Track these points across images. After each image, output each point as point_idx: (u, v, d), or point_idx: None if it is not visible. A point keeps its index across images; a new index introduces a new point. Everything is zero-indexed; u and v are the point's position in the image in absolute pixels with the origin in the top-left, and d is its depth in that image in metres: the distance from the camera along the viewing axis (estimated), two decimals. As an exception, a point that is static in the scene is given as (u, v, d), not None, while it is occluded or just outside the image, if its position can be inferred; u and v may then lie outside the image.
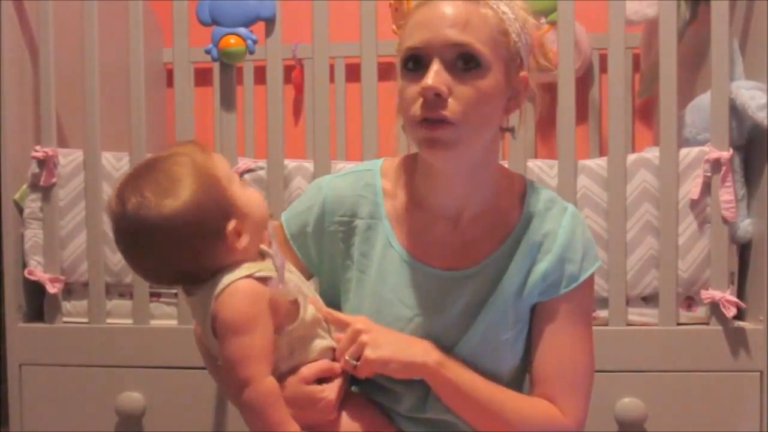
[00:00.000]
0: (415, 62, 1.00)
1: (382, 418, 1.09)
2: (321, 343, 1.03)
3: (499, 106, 1.03)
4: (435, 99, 0.97)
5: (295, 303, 1.01)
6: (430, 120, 0.98)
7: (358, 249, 1.11)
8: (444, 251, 1.09)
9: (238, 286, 0.96)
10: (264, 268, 0.99)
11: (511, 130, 1.09)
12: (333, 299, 1.12)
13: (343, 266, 1.12)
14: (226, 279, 0.97)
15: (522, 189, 1.13)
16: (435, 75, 0.97)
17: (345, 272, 1.12)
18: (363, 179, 1.13)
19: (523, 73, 1.05)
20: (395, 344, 1.02)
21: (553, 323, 1.10)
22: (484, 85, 0.99)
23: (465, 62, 0.98)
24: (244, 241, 0.98)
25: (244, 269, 0.98)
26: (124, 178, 0.98)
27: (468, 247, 1.09)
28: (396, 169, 1.14)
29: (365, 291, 1.09)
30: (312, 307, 1.04)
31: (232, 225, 0.97)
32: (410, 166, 1.13)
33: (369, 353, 0.99)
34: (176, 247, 0.95)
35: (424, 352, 1.02)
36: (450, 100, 0.98)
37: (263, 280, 0.98)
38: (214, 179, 0.97)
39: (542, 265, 1.08)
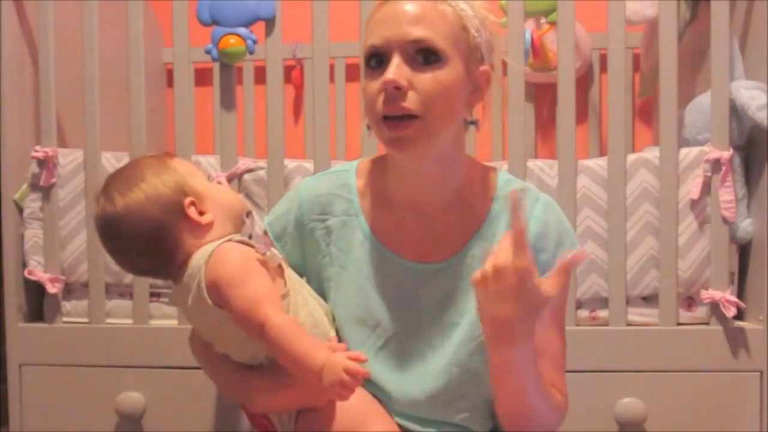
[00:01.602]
0: (378, 60, 1.03)
1: (384, 411, 1.10)
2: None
3: (461, 99, 1.05)
4: (396, 93, 1.00)
5: (280, 268, 1.07)
6: (393, 117, 1.00)
7: (335, 245, 1.14)
8: (416, 244, 1.11)
9: (223, 248, 1.03)
10: (230, 237, 1.07)
11: (474, 123, 1.10)
12: (320, 297, 1.15)
13: (323, 263, 1.15)
14: (207, 248, 1.03)
15: (494, 181, 1.14)
16: (395, 69, 1.00)
17: (325, 269, 1.15)
18: (339, 179, 1.17)
19: (483, 68, 1.07)
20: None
21: None
22: (444, 76, 1.01)
23: (425, 57, 1.01)
24: (207, 218, 1.07)
25: (222, 240, 1.05)
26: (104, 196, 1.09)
27: (438, 240, 1.11)
28: (369, 168, 1.17)
29: (346, 285, 1.12)
30: (305, 308, 1.07)
31: (188, 200, 1.06)
32: (381, 164, 1.16)
33: None
34: (147, 233, 1.04)
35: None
36: (410, 93, 1.00)
37: (244, 243, 1.05)
38: (170, 169, 1.08)
39: None
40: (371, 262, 1.11)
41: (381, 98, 1.01)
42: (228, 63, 1.68)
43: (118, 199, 1.05)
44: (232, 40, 1.65)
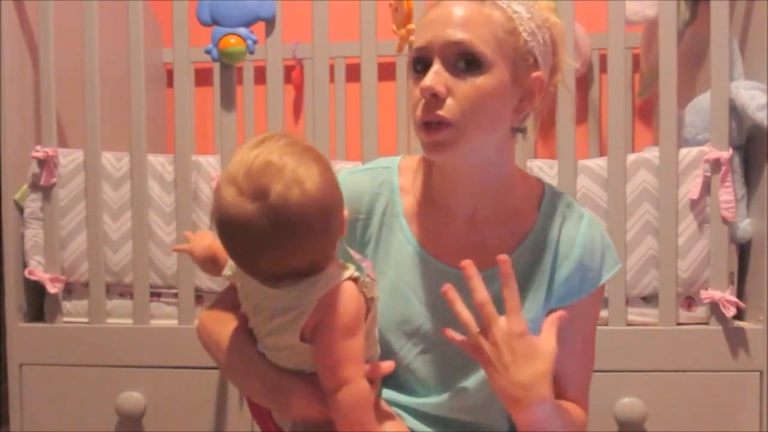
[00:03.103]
0: (422, 64, 1.01)
1: (397, 419, 1.09)
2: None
3: (505, 106, 1.02)
4: (433, 99, 0.98)
5: (373, 300, 1.00)
6: (430, 123, 0.98)
7: (372, 245, 1.11)
8: (459, 251, 1.08)
9: (347, 289, 0.95)
10: (350, 267, 0.98)
11: (522, 130, 1.07)
12: None
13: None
14: (330, 279, 0.94)
15: (540, 193, 1.12)
16: (434, 75, 0.97)
17: (360, 270, 1.11)
18: (380, 176, 1.13)
19: (536, 74, 1.02)
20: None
21: (571, 328, 1.08)
22: (485, 83, 0.98)
23: (466, 62, 0.98)
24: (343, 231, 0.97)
25: (342, 270, 0.96)
26: (235, 177, 0.89)
27: (482, 249, 1.08)
28: (414, 167, 1.14)
29: (384, 289, 1.08)
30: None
31: (346, 211, 0.96)
32: (427, 165, 1.12)
33: None
34: (318, 230, 0.91)
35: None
36: (448, 100, 0.97)
37: (356, 280, 0.97)
38: (326, 161, 0.94)
39: (562, 272, 1.08)
40: (412, 267, 1.08)
41: (421, 104, 0.99)
42: (228, 63, 1.68)
43: (306, 182, 0.88)
44: (233, 40, 1.65)
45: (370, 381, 0.99)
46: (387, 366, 1.01)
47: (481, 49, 0.97)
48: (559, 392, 1.10)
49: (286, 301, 0.95)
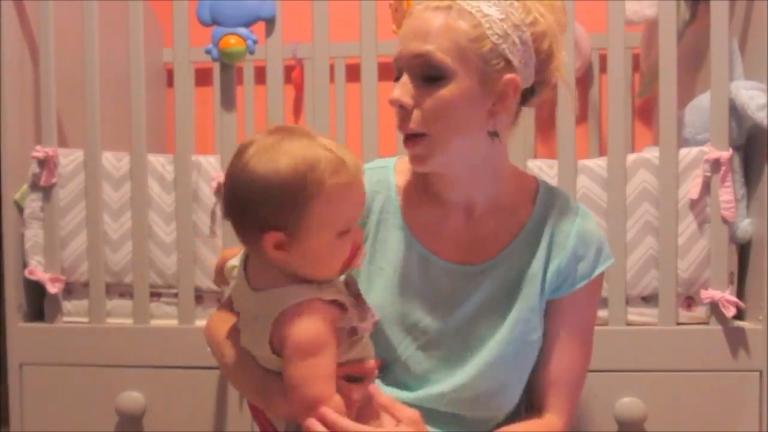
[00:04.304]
0: (399, 76, 1.04)
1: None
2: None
3: (476, 111, 1.02)
4: (402, 112, 1.02)
5: (354, 331, 0.98)
6: (406, 135, 1.03)
7: (370, 243, 1.12)
8: (457, 245, 1.11)
9: (310, 308, 0.93)
10: (336, 292, 0.96)
11: (494, 134, 1.06)
12: None
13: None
14: (292, 296, 0.93)
15: (534, 188, 1.15)
16: (401, 88, 1.02)
17: (359, 268, 1.12)
18: (377, 175, 1.16)
19: (509, 76, 1.02)
20: None
21: (566, 322, 1.11)
22: (447, 93, 1.00)
23: (429, 73, 1.00)
24: (281, 258, 0.93)
25: (312, 289, 0.94)
26: (261, 139, 0.95)
27: (480, 242, 1.11)
28: (408, 166, 1.15)
29: (382, 285, 1.10)
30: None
31: (271, 236, 0.92)
32: None
33: None
34: (252, 209, 0.92)
35: None
36: (415, 111, 1.01)
37: (330, 303, 0.95)
38: (307, 183, 0.91)
39: (556, 262, 1.09)
40: (409, 263, 1.10)
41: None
42: (228, 63, 1.68)
43: (282, 157, 0.91)
44: (233, 40, 1.65)
45: (358, 380, 0.99)
46: (371, 365, 1.00)
47: (442, 60, 0.99)
48: (543, 392, 1.12)
49: (257, 307, 0.96)
